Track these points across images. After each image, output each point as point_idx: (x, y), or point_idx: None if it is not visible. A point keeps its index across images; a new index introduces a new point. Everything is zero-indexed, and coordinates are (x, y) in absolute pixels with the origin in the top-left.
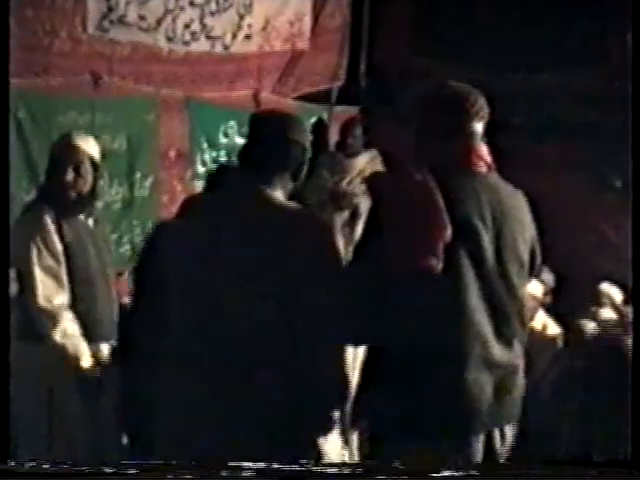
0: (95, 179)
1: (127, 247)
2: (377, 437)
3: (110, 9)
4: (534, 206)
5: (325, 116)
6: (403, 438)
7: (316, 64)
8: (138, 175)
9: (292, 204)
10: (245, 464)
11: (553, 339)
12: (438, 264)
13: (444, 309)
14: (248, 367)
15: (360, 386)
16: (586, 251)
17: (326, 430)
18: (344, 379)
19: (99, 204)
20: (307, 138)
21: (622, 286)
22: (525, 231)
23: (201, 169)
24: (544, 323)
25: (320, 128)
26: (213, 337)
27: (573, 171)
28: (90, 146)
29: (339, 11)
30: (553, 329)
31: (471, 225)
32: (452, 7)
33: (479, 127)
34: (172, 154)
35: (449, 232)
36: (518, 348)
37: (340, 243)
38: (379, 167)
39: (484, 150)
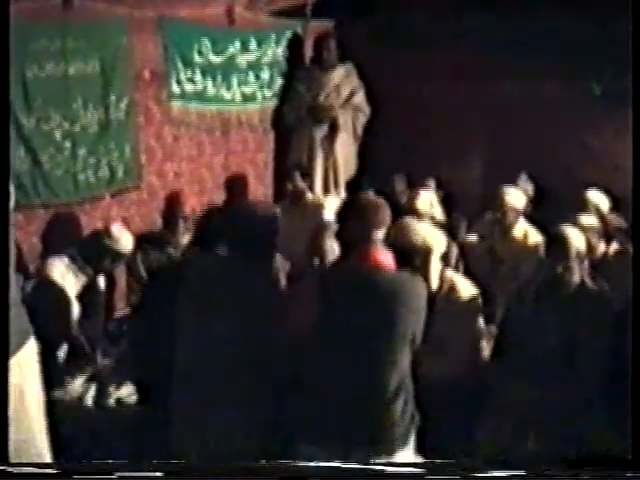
0: None
1: (105, 170)
2: None
3: None
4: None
5: (300, 31)
6: None
7: None
8: (113, 98)
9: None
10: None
11: (535, 247)
12: None
13: None
14: None
15: None
16: (569, 160)
17: None
18: None
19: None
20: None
21: (606, 193)
22: (411, 314)
23: (176, 89)
24: (525, 231)
25: (295, 43)
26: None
27: (554, 80)
28: None
29: None
30: (534, 237)
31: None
32: None
33: (380, 234)
34: (147, 75)
35: None
36: None
37: (319, 156)
38: (355, 80)
39: (382, 255)
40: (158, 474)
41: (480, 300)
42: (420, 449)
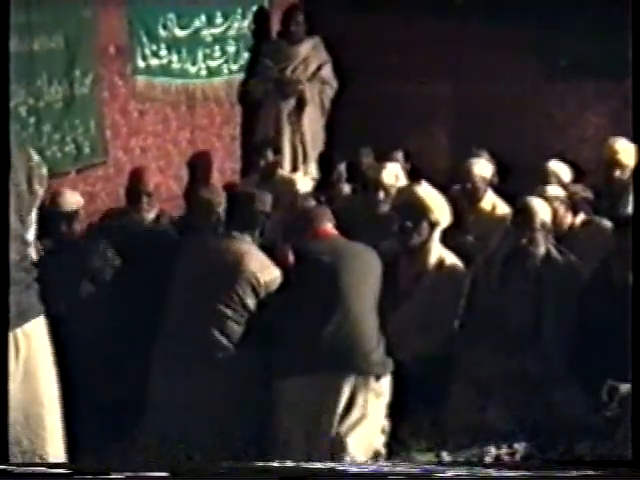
0: None
1: (71, 146)
2: None
3: None
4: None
5: (266, 4)
6: None
7: None
8: (77, 73)
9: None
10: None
11: (502, 218)
12: None
13: None
14: None
15: None
16: (534, 131)
17: None
18: None
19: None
20: (268, 206)
21: (571, 165)
22: (367, 275)
23: (141, 63)
24: (493, 203)
25: (261, 16)
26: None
27: (519, 51)
28: None
29: None
30: (502, 209)
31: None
32: None
33: (329, 225)
34: (111, 50)
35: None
36: None
37: (287, 131)
38: (322, 53)
39: (330, 229)
40: (162, 474)
41: (465, 275)
42: (392, 412)
